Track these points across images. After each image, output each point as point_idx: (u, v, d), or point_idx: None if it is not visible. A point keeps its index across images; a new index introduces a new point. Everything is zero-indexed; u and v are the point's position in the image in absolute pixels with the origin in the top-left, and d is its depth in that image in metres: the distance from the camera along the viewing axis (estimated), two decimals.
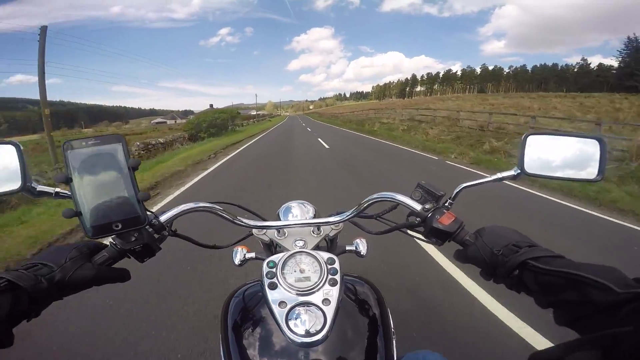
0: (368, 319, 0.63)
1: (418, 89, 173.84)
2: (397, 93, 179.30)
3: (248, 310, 0.65)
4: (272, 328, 0.57)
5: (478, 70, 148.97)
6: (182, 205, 0.58)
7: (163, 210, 0.56)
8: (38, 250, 2.98)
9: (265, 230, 0.70)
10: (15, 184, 0.46)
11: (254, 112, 68.43)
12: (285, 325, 0.49)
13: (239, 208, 0.75)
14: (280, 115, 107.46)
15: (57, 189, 0.49)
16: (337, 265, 0.56)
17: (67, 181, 0.43)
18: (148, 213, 0.48)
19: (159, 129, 47.57)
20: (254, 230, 0.71)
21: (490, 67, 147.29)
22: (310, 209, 0.78)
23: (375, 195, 0.63)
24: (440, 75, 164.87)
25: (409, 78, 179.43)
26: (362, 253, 0.76)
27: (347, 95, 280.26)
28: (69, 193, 0.45)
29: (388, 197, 0.61)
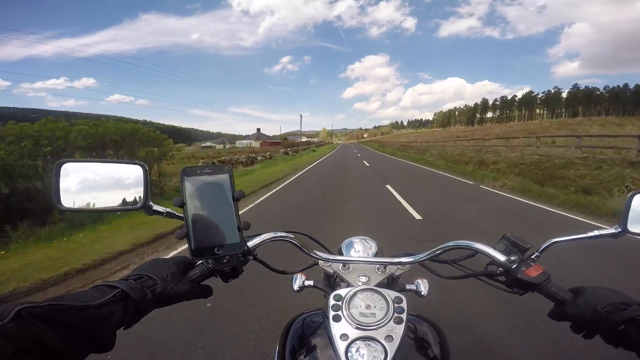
0: (427, 359, 0.63)
1: (489, 115, 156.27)
2: (464, 120, 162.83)
3: (307, 338, 0.67)
4: (329, 358, 0.58)
5: (564, 94, 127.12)
6: (265, 234, 0.62)
7: (248, 236, 0.58)
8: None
9: (331, 263, 0.70)
10: (137, 202, 0.52)
11: (299, 139, 61.74)
12: (344, 356, 0.50)
13: (308, 238, 0.73)
14: (331, 144, 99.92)
15: (169, 209, 0.54)
16: (404, 305, 0.56)
17: (182, 205, 0.48)
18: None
19: (207, 153, 43.85)
20: (321, 262, 0.71)
21: (565, 91, 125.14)
22: (372, 245, 0.78)
23: (452, 243, 0.62)
24: (517, 98, 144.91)
25: (478, 103, 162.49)
26: (422, 293, 0.72)
27: (405, 123, 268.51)
28: (178, 214, 0.52)
29: (467, 246, 0.60)
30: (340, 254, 0.75)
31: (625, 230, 0.53)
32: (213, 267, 0.53)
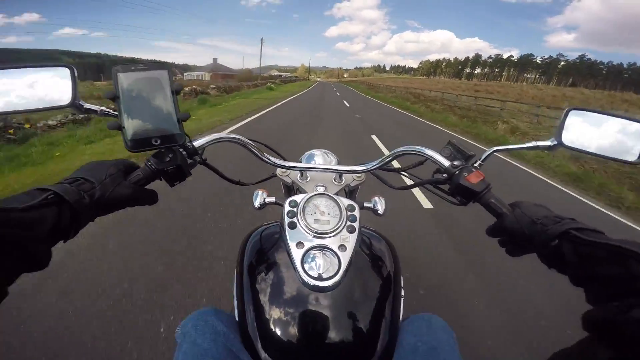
0: (380, 275, 0.65)
1: (477, 71, 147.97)
2: (450, 72, 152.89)
3: (264, 251, 0.68)
4: (286, 270, 0.60)
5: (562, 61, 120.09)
6: (215, 134, 0.58)
7: (194, 138, 0.55)
8: None
9: (289, 172, 0.71)
10: (66, 101, 0.49)
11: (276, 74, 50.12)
12: (300, 266, 0.49)
13: (266, 147, 0.71)
14: (307, 80, 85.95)
15: (102, 107, 0.50)
16: (356, 213, 0.55)
17: (115, 98, 0.45)
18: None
19: None
20: (278, 171, 0.72)
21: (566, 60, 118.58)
22: (333, 159, 0.77)
23: (402, 148, 0.60)
24: (514, 59, 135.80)
25: (470, 57, 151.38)
26: (379, 211, 0.69)
27: (387, 67, 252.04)
28: (113, 112, 0.49)
29: (415, 151, 0.59)
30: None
31: (560, 144, 0.56)
32: (156, 167, 0.49)
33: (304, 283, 0.48)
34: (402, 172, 0.67)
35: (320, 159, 0.76)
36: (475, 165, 0.56)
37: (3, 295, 0.32)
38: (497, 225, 0.50)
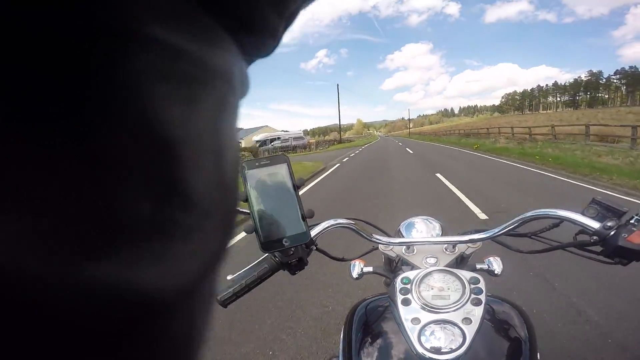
0: (510, 343, 0.59)
1: (549, 99, 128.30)
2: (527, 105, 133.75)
3: (372, 324, 0.64)
4: (398, 344, 0.56)
5: None
6: (325, 223, 0.62)
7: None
8: None
9: (392, 247, 0.68)
10: None
11: (278, 136, 33.96)
12: (417, 341, 0.48)
13: (365, 223, 0.71)
14: (366, 137, 77.42)
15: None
16: (481, 285, 0.54)
17: (246, 199, 0.46)
18: None
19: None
20: (382, 246, 0.69)
21: None
22: (436, 225, 0.72)
23: (531, 213, 0.57)
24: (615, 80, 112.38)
25: (542, 86, 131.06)
26: (496, 272, 0.65)
27: (456, 111, 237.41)
28: (242, 210, 0.49)
29: (550, 214, 0.55)
30: (400, 236, 0.70)
31: None
32: (280, 260, 0.52)
33: (420, 357, 0.47)
34: (533, 237, 0.61)
35: (422, 226, 0.71)
36: (632, 222, 0.49)
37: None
38: None
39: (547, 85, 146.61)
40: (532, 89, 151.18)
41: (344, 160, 13.63)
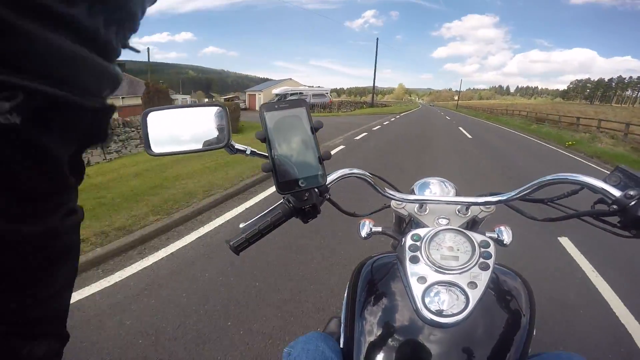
0: (510, 313, 0.58)
1: (627, 93, 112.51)
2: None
3: (378, 282, 0.64)
4: (402, 302, 0.56)
5: None
6: (340, 171, 0.60)
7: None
8: None
9: (404, 204, 0.67)
10: (220, 142, 0.51)
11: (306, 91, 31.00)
12: (420, 301, 0.48)
13: (379, 179, 0.68)
14: (405, 103, 68.50)
15: (251, 148, 0.54)
16: (491, 250, 0.53)
17: (264, 139, 0.45)
18: None
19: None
20: (393, 203, 0.68)
21: None
22: (450, 189, 0.72)
23: (549, 177, 0.54)
24: None
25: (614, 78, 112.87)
26: (505, 242, 0.63)
27: (511, 89, 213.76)
28: (259, 152, 0.52)
29: (569, 179, 0.52)
30: (413, 194, 0.68)
31: None
32: (294, 206, 0.51)
33: (422, 318, 0.48)
34: (549, 203, 0.60)
35: (437, 187, 0.72)
36: None
37: None
38: None
39: (630, 77, 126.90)
40: (610, 79, 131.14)
41: (354, 137, 9.58)
